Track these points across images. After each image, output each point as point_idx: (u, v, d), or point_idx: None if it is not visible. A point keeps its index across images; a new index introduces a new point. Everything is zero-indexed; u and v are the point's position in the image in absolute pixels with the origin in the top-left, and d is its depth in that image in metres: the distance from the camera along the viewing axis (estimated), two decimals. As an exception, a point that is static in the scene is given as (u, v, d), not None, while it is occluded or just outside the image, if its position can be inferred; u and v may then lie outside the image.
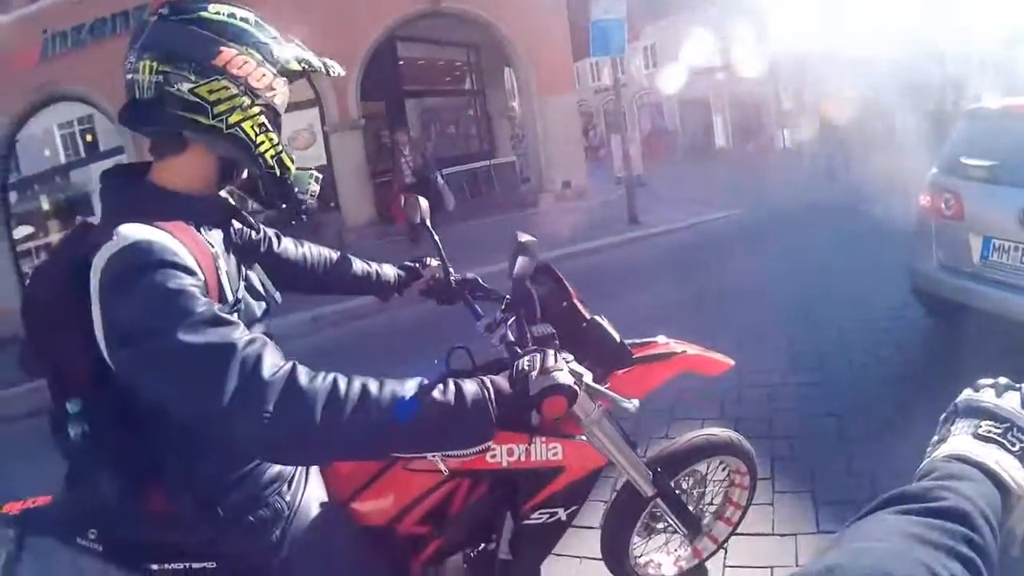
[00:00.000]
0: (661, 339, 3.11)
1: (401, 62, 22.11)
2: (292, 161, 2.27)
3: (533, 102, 20.65)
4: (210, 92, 2.01)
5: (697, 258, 13.14)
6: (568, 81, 22.11)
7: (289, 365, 1.79)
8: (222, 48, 2.04)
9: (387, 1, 18.42)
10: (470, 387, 1.90)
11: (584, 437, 2.50)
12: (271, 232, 2.95)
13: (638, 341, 3.01)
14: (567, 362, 2.09)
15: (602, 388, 2.30)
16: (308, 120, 18.47)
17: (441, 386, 1.88)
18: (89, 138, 19.21)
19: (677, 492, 3.31)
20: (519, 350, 2.26)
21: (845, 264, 10.78)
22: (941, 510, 0.88)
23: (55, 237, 18.43)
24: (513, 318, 2.68)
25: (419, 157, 18.44)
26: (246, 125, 2.09)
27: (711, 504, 3.80)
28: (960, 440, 1.05)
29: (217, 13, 2.07)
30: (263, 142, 2.14)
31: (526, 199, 21.66)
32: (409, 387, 1.85)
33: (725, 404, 6.28)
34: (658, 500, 3.08)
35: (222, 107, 2.03)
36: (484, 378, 1.96)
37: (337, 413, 1.74)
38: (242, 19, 2.11)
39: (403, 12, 18.83)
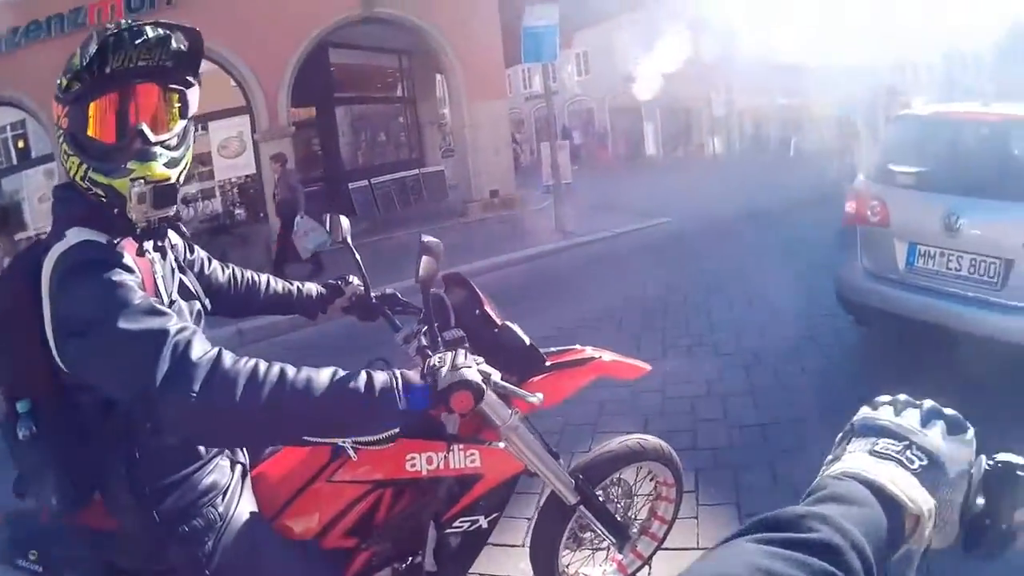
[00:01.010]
0: (578, 346, 3.18)
1: (333, 68, 22.04)
2: (106, 175, 2.17)
3: (463, 110, 20.64)
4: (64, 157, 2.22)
5: (624, 267, 13.21)
6: (499, 88, 22.11)
7: (215, 350, 1.93)
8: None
9: (320, 7, 18.23)
10: (380, 376, 2.01)
11: (502, 444, 2.56)
12: (203, 254, 2.98)
13: (555, 349, 3.09)
14: (477, 362, 2.18)
15: (509, 385, 2.39)
16: (238, 128, 18.27)
17: (354, 375, 2.00)
18: (21, 144, 18.78)
19: (602, 500, 3.32)
20: (429, 353, 2.37)
21: (773, 272, 10.84)
22: (806, 542, 0.85)
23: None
24: (427, 326, 2.75)
25: (286, 190, 15.61)
26: (68, 164, 2.19)
27: (637, 518, 3.79)
28: (855, 457, 1.02)
29: None
30: (70, 167, 2.19)
31: (454, 208, 21.65)
32: (324, 373, 1.98)
33: (649, 416, 6.27)
34: (582, 508, 3.09)
35: (68, 165, 2.19)
36: (396, 371, 2.07)
37: (256, 394, 1.87)
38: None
39: (336, 18, 18.69)
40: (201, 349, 1.90)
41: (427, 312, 2.71)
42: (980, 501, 1.03)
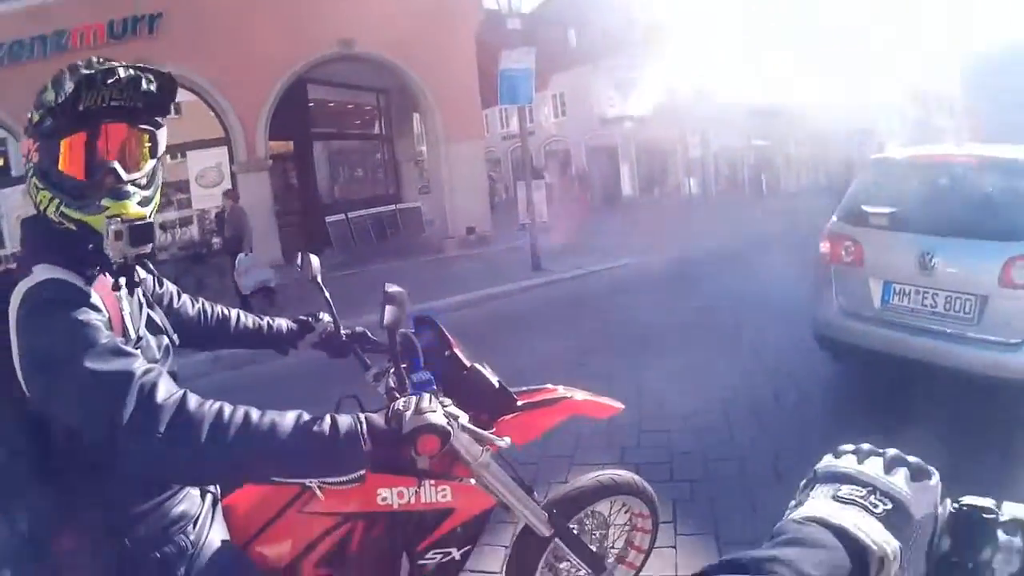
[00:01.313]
0: (550, 386, 3.23)
1: (311, 104, 22.13)
2: (81, 210, 2.19)
3: (440, 148, 20.79)
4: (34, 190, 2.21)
5: (600, 305, 13.27)
6: (476, 128, 22.26)
7: (181, 392, 1.91)
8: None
9: (300, 43, 18.36)
10: (344, 420, 2.02)
11: (473, 480, 2.61)
12: (172, 288, 2.99)
13: (525, 388, 3.13)
14: (444, 405, 2.21)
15: (476, 428, 2.41)
16: (217, 158, 18.29)
17: (318, 419, 2.00)
18: (1, 162, 18.82)
19: (577, 532, 3.34)
20: (397, 395, 2.47)
21: (750, 309, 10.95)
22: None
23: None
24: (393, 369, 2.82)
25: (233, 227, 15.23)
26: (39, 198, 2.19)
27: (613, 548, 3.82)
28: (818, 503, 1.02)
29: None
30: (41, 200, 2.19)
31: (431, 244, 21.69)
32: (288, 416, 1.98)
33: (626, 449, 6.30)
34: (557, 540, 3.11)
35: (39, 199, 2.20)
36: (360, 414, 2.07)
37: (221, 437, 1.87)
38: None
39: (314, 55, 18.84)
40: (167, 391, 1.90)
41: (394, 357, 2.77)
42: (946, 543, 1.05)
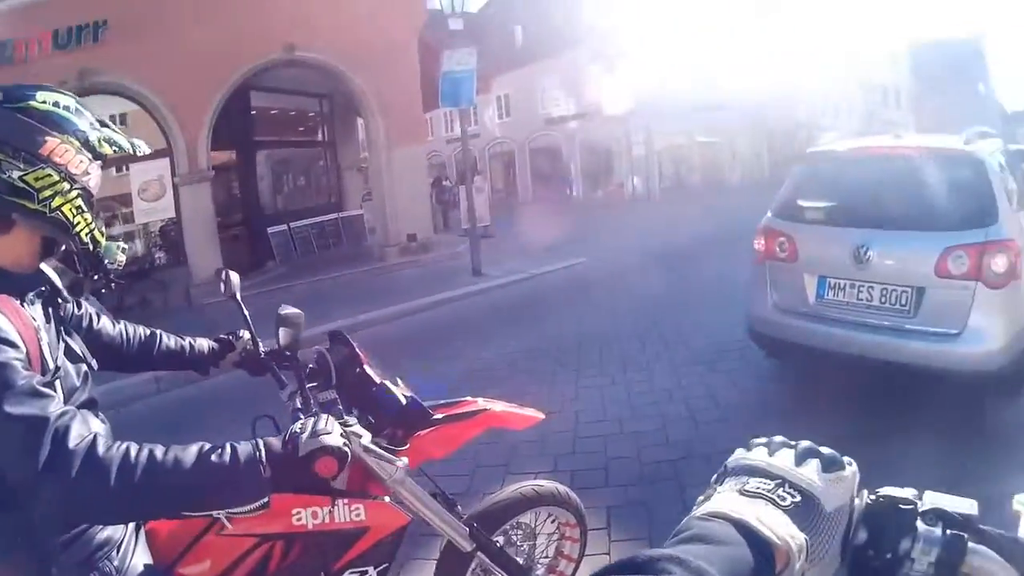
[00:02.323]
0: (469, 398, 3.26)
1: (254, 111, 21.89)
2: (103, 235, 2.40)
3: (382, 154, 20.60)
4: (36, 179, 2.16)
5: (538, 309, 13.26)
6: (419, 133, 22.17)
7: (91, 436, 1.94)
8: (47, 138, 2.19)
9: (242, 50, 18.06)
10: (244, 448, 2.08)
11: (387, 498, 2.67)
12: (92, 310, 2.98)
13: (444, 402, 3.16)
14: (348, 425, 2.31)
15: (377, 448, 2.49)
16: (159, 171, 18.03)
17: (219, 449, 2.06)
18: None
19: (501, 545, 3.35)
20: (301, 415, 2.50)
21: (686, 309, 11.08)
22: None
23: None
24: (309, 385, 2.91)
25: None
26: (66, 208, 2.23)
27: (545, 557, 3.84)
28: (724, 497, 1.00)
29: (43, 103, 2.23)
30: (79, 222, 2.28)
31: (373, 253, 21.60)
32: (190, 451, 2.03)
33: (560, 457, 6.28)
34: (479, 554, 3.12)
35: (47, 193, 2.18)
36: (259, 440, 2.14)
37: (128, 478, 1.91)
38: (64, 107, 2.26)
39: (257, 61, 18.58)
40: (78, 435, 1.92)
41: (298, 377, 2.89)
42: (863, 534, 1.04)
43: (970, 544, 1.00)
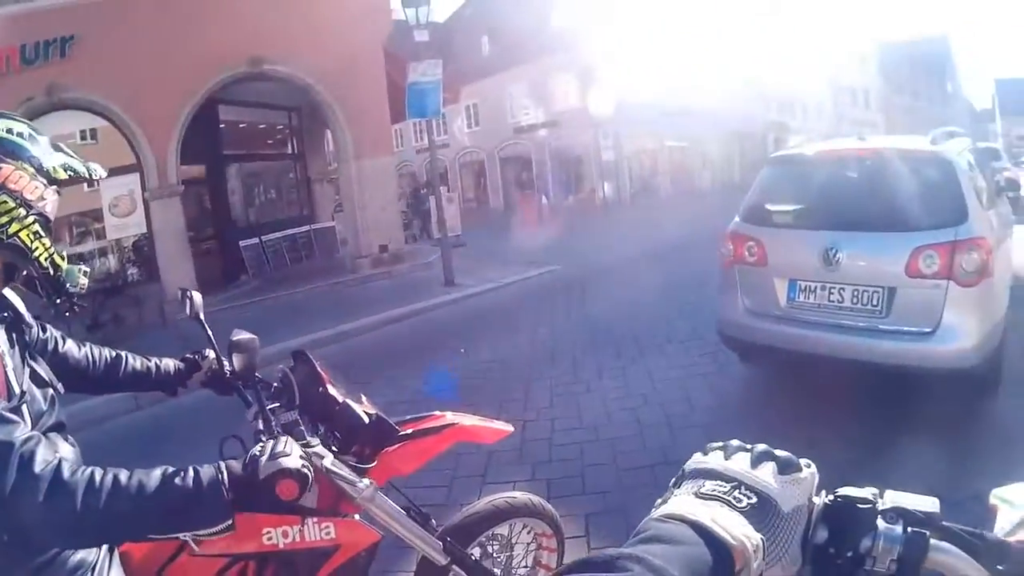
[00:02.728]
0: (438, 412, 3.26)
1: (223, 125, 21.77)
2: (63, 259, 2.42)
3: (351, 165, 20.52)
4: None
5: (512, 318, 13.25)
6: (387, 144, 22.06)
7: (56, 461, 1.95)
8: (1, 165, 2.20)
9: (209, 64, 17.99)
10: (207, 472, 2.10)
11: (357, 516, 2.70)
12: (57, 334, 2.97)
13: (411, 417, 3.17)
14: (309, 446, 2.34)
15: (340, 468, 2.51)
16: (129, 186, 17.91)
17: (182, 472, 2.07)
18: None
19: (476, 557, 3.35)
20: (263, 438, 2.51)
21: (660, 314, 11.09)
22: None
23: None
24: (273, 405, 2.92)
25: None
26: (23, 234, 2.25)
27: (523, 566, 3.84)
28: (681, 500, 1.02)
29: None
30: (38, 247, 2.30)
31: (345, 264, 21.51)
32: (154, 475, 2.04)
33: (538, 465, 6.29)
34: (455, 568, 3.11)
35: (2, 219, 2.19)
36: (221, 463, 2.16)
37: (94, 502, 1.92)
38: (18, 134, 2.28)
39: (223, 75, 18.46)
40: (43, 460, 1.93)
41: (258, 399, 2.85)
42: (823, 534, 1.05)
43: (932, 541, 1.02)
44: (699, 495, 1.01)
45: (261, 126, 24.67)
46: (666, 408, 7.22)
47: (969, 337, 6.06)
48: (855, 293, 6.42)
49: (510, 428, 3.44)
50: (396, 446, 2.98)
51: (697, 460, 1.10)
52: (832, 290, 6.53)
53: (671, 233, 20.69)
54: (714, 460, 1.08)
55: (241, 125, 23.50)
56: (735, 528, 0.94)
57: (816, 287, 6.61)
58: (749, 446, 1.09)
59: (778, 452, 1.08)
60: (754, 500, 1.00)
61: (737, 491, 1.01)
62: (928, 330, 6.11)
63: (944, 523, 1.04)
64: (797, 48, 48.15)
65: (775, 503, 1.01)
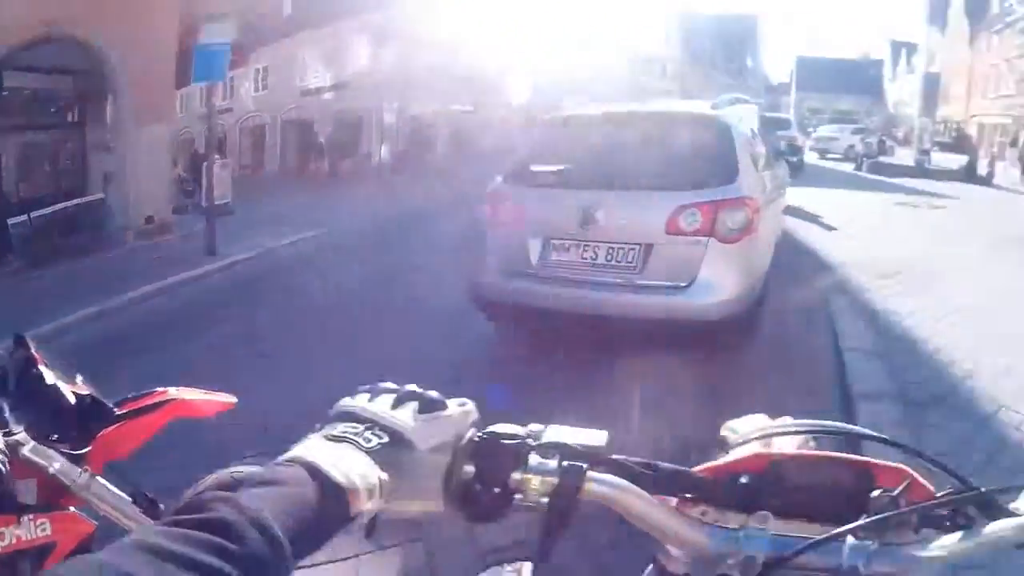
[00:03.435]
0: (159, 389, 2.99)
1: (6, 92, 20.46)
2: None
3: (129, 134, 19.77)
4: None
5: (273, 285, 13.16)
6: (168, 110, 21.34)
7: None
8: None
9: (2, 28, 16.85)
10: None
11: (72, 508, 2.51)
12: None
13: (131, 395, 2.90)
14: (11, 434, 2.18)
15: (39, 458, 2.32)
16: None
17: None
18: None
19: None
20: None
21: (418, 276, 11.29)
22: (202, 521, 0.87)
23: None
24: None
25: None
26: None
27: None
28: (309, 443, 1.02)
29: None
30: None
31: (113, 237, 20.53)
32: None
33: (268, 440, 6.14)
34: None
35: None
36: None
37: None
38: None
39: (14, 40, 17.43)
40: None
41: None
42: (469, 469, 1.08)
43: (590, 472, 1.04)
44: (328, 437, 1.03)
45: (47, 93, 23.47)
46: (413, 369, 7.01)
47: (725, 290, 6.39)
48: (610, 251, 6.62)
49: (233, 399, 3.37)
50: (112, 428, 2.74)
51: (343, 404, 1.12)
52: (586, 248, 6.71)
53: (440, 194, 21.08)
54: (358, 402, 1.11)
55: (26, 92, 22.24)
56: (355, 468, 0.98)
57: (571, 246, 6.77)
58: (396, 388, 1.13)
59: (428, 392, 1.12)
60: (385, 439, 1.03)
61: (369, 432, 1.04)
62: (684, 284, 6.39)
63: (614, 456, 1.07)
64: (595, 16, 48.85)
65: (410, 442, 1.05)
